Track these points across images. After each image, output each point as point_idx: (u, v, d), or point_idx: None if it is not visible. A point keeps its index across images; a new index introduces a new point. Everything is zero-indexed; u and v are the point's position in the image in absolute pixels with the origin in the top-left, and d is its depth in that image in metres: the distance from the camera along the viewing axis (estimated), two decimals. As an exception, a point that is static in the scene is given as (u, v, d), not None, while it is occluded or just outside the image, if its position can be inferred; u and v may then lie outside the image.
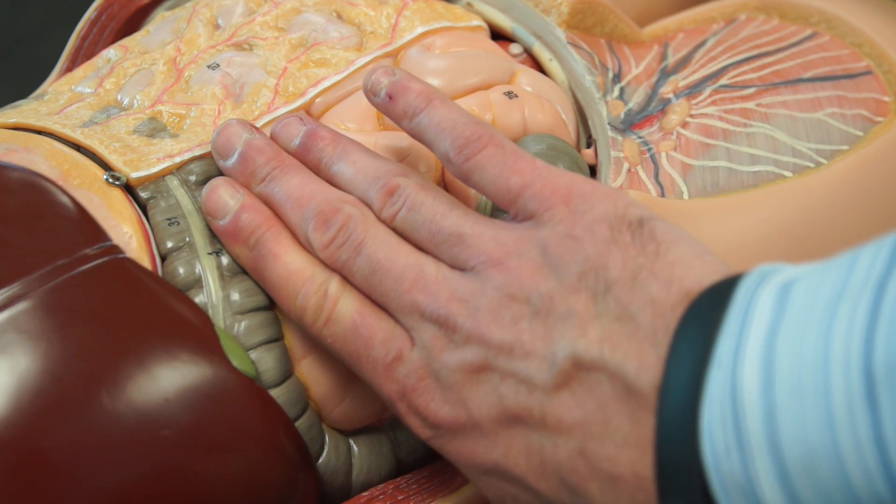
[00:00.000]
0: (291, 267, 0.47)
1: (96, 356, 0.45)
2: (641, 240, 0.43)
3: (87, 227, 0.47)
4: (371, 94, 0.50)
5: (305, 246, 0.48)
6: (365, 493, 0.50)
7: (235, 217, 0.48)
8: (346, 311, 0.47)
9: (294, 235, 0.48)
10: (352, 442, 0.50)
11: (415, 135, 0.49)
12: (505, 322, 0.44)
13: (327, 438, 0.49)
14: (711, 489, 0.38)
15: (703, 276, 0.42)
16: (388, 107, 0.49)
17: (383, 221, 0.47)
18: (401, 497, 0.49)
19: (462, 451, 0.45)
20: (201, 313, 0.47)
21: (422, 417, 0.45)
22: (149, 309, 0.47)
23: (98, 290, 0.46)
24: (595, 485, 0.42)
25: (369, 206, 0.48)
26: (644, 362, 0.41)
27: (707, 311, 0.40)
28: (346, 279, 0.47)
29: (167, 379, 0.45)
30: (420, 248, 0.47)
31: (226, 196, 0.49)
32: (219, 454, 0.46)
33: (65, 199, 0.48)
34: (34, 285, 0.45)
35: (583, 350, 0.42)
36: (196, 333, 0.47)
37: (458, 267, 0.46)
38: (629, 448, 0.41)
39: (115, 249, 0.47)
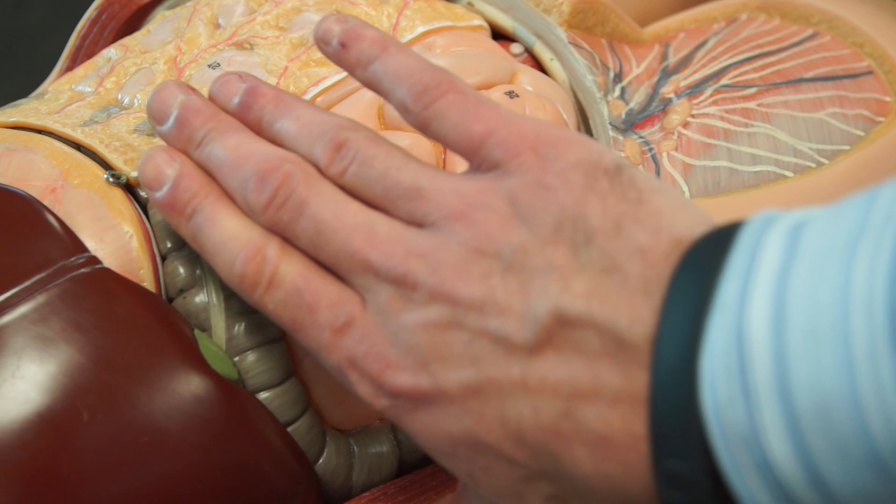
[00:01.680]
0: (228, 232, 0.44)
1: (77, 369, 0.44)
2: (621, 187, 0.40)
3: (64, 239, 0.47)
4: (322, 42, 0.46)
5: (246, 211, 0.44)
6: (366, 494, 0.50)
7: (173, 187, 0.45)
8: (287, 274, 0.43)
9: (234, 201, 0.45)
10: (353, 442, 0.50)
11: (370, 84, 0.45)
12: (473, 277, 0.40)
13: (328, 439, 0.49)
14: (711, 444, 0.36)
15: (693, 225, 0.39)
16: (341, 55, 0.45)
17: (331, 179, 0.44)
18: (402, 497, 0.49)
19: (425, 422, 0.41)
20: (180, 318, 0.47)
21: (376, 385, 0.42)
22: (127, 318, 0.46)
23: (77, 302, 0.45)
24: (582, 448, 0.39)
25: (316, 164, 0.44)
26: (636, 314, 0.38)
27: (706, 256, 0.38)
28: (291, 243, 0.44)
29: (147, 387, 0.45)
30: (373, 205, 0.43)
31: (162, 164, 0.46)
32: (205, 460, 0.46)
33: (40, 212, 0.47)
34: (13, 301, 0.45)
35: (567, 305, 0.39)
36: (174, 339, 0.46)
37: (416, 223, 0.42)
38: (621, 405, 0.38)
39: (94, 260, 0.47)
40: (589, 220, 0.40)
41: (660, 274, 0.39)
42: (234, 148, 0.45)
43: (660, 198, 0.40)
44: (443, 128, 0.43)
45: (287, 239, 0.44)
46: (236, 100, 0.47)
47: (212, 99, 0.48)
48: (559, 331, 0.39)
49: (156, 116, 0.47)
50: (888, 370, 0.33)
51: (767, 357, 0.35)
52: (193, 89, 0.48)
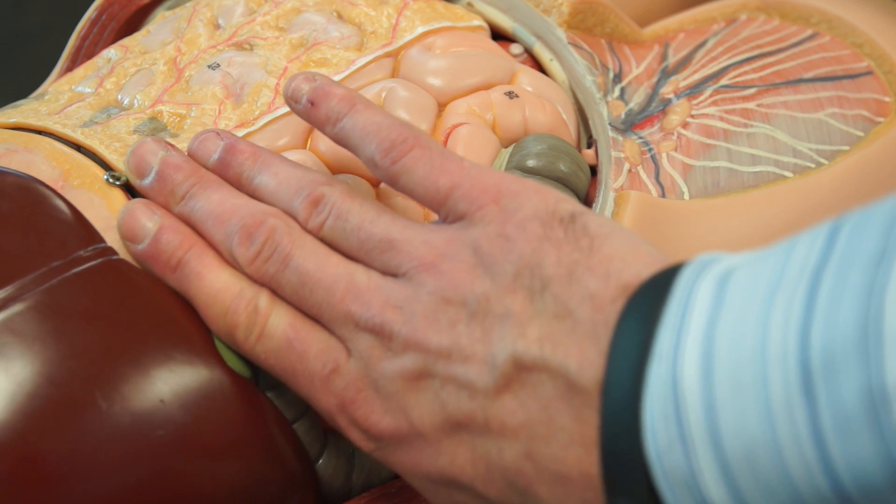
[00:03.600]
0: (218, 285, 0.46)
1: (91, 358, 0.45)
2: (574, 234, 0.42)
3: (80, 229, 0.47)
4: (292, 101, 0.48)
5: (231, 263, 0.46)
6: (365, 494, 0.50)
7: (154, 240, 0.47)
8: (278, 325, 0.45)
9: (219, 253, 0.47)
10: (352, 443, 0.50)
11: (339, 141, 0.48)
12: (442, 326, 0.43)
13: (329, 439, 0.49)
14: (657, 485, 0.38)
15: (641, 269, 0.41)
16: (311, 113, 0.48)
17: (310, 232, 0.46)
18: (401, 498, 0.49)
19: (407, 462, 0.44)
20: (195, 313, 0.47)
21: (363, 430, 0.44)
22: (143, 310, 0.46)
23: (92, 291, 0.46)
24: (544, 486, 0.41)
25: (295, 217, 0.46)
26: (585, 359, 0.40)
27: (647, 303, 0.39)
28: (276, 293, 0.46)
29: (162, 380, 0.45)
30: (350, 257, 0.45)
31: (143, 218, 0.47)
32: (214, 455, 0.46)
33: (58, 202, 0.48)
34: (29, 287, 0.45)
35: (522, 350, 0.41)
36: (190, 334, 0.46)
37: (390, 273, 0.44)
38: (575, 447, 0.40)
39: (110, 251, 0.47)
40: (545, 268, 0.42)
41: (607, 319, 0.40)
42: (218, 202, 0.47)
43: (611, 243, 0.42)
44: (410, 182, 0.45)
45: (273, 290, 0.46)
46: (215, 156, 0.49)
47: (191, 156, 0.49)
48: (517, 375, 0.41)
49: (135, 171, 0.49)
50: (802, 419, 0.35)
51: (699, 405, 0.37)
52: (172, 145, 0.49)
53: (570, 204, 0.43)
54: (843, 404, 0.34)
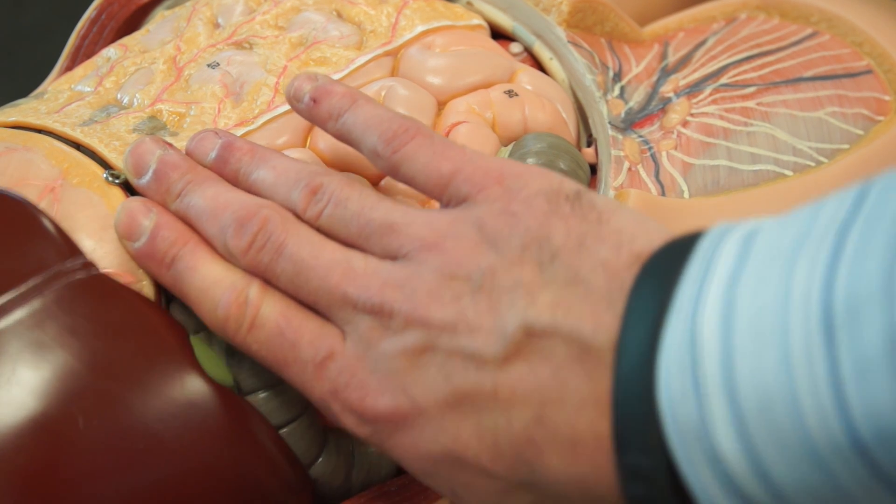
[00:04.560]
0: (210, 279, 0.46)
1: (72, 375, 0.44)
2: (581, 210, 0.42)
3: (59, 244, 0.47)
4: (294, 100, 0.49)
5: (226, 257, 0.46)
6: (365, 493, 0.50)
7: (151, 237, 0.47)
8: (269, 314, 0.45)
9: (213, 248, 0.46)
10: (352, 442, 0.50)
11: (341, 136, 0.48)
12: (445, 301, 0.42)
13: (328, 438, 0.49)
14: (667, 439, 0.38)
15: (653, 239, 0.41)
16: (313, 111, 0.48)
17: (307, 222, 0.46)
18: (400, 497, 0.49)
19: (406, 444, 0.43)
20: (175, 324, 0.47)
21: (358, 414, 0.43)
22: (122, 323, 0.46)
23: (72, 307, 0.46)
24: (554, 455, 0.41)
25: (293, 209, 0.46)
26: (600, 321, 0.40)
27: (664, 267, 0.39)
28: (272, 284, 0.45)
29: (143, 393, 0.45)
30: (348, 245, 0.45)
31: (139, 216, 0.47)
32: (200, 466, 0.45)
33: (36, 216, 0.47)
34: (9, 306, 0.45)
35: (534, 317, 0.41)
36: (169, 345, 0.46)
37: (389, 257, 0.44)
38: (587, 409, 0.40)
39: (89, 265, 0.47)
40: (553, 240, 0.42)
41: (622, 284, 0.40)
42: (212, 197, 0.47)
43: (619, 217, 0.42)
44: (412, 169, 0.45)
45: (268, 280, 0.45)
46: (213, 154, 0.49)
47: (189, 154, 0.50)
48: (527, 342, 0.41)
49: (133, 170, 0.49)
50: (821, 364, 0.35)
51: (716, 355, 0.37)
52: (170, 144, 0.49)
53: (574, 184, 0.43)
54: (864, 348, 0.34)
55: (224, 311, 0.45)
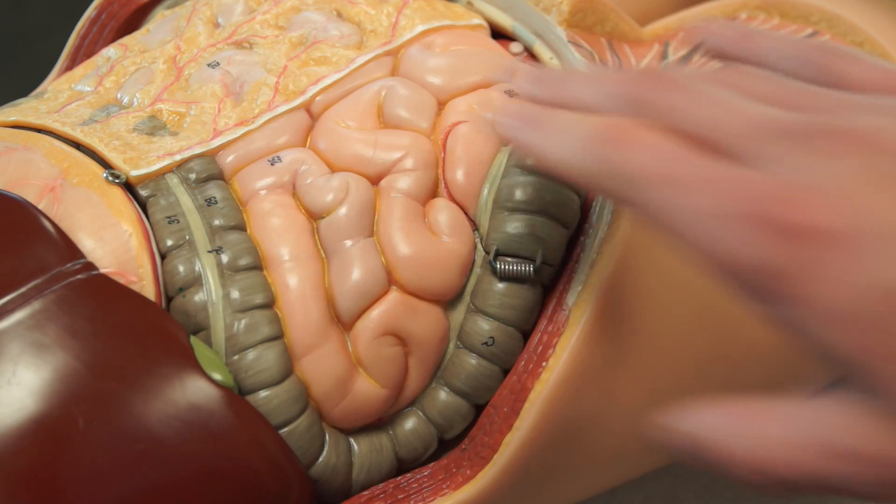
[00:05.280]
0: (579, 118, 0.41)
1: (73, 376, 0.44)
2: None
3: (59, 245, 0.47)
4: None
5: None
6: (365, 493, 0.50)
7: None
8: (651, 136, 0.38)
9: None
10: (352, 441, 0.50)
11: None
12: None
13: (328, 437, 0.49)
14: None
15: None
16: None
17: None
18: (401, 496, 0.49)
19: (842, 271, 0.33)
20: (176, 325, 0.47)
21: (785, 227, 0.33)
22: (123, 324, 0.46)
23: (72, 308, 0.46)
24: None
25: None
26: None
27: None
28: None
29: (143, 394, 0.45)
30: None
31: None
32: (201, 466, 0.46)
33: (36, 217, 0.48)
34: (9, 307, 0.45)
35: None
36: (169, 346, 0.46)
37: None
38: None
39: (89, 266, 0.47)
40: None
41: None
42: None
43: None
44: None
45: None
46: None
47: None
48: None
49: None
50: None
51: None
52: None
53: None
54: None
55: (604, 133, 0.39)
